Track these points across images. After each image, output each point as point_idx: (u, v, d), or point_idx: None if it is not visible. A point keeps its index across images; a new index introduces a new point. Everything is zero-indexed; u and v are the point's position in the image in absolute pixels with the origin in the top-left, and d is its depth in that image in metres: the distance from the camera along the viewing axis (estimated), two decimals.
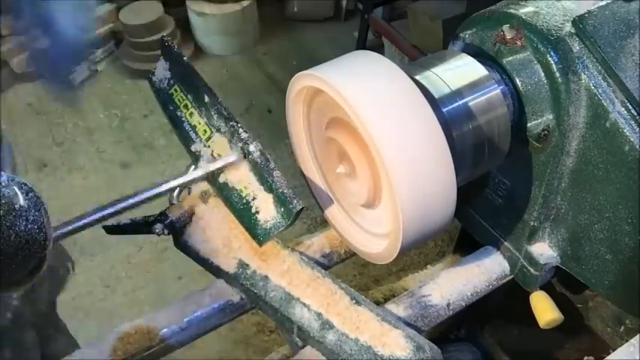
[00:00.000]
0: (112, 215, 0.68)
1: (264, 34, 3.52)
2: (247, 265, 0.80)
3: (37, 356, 1.07)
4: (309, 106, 0.73)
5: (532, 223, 0.79)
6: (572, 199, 0.75)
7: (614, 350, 0.76)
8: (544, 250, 0.81)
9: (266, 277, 0.79)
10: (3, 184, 0.55)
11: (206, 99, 0.80)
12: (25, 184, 0.57)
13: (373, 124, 0.60)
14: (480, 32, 0.76)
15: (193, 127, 0.83)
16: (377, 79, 0.64)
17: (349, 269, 2.32)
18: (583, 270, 0.78)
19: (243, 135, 0.76)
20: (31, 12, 0.69)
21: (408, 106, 0.62)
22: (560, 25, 0.70)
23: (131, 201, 0.70)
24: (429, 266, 0.99)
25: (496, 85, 0.72)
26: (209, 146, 0.80)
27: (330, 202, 0.78)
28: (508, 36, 0.72)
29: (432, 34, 2.83)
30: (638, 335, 0.75)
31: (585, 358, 0.99)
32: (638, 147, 0.66)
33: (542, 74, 0.71)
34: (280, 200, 0.71)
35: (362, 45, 3.24)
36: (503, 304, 1.02)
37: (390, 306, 0.80)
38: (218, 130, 0.79)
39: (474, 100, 0.71)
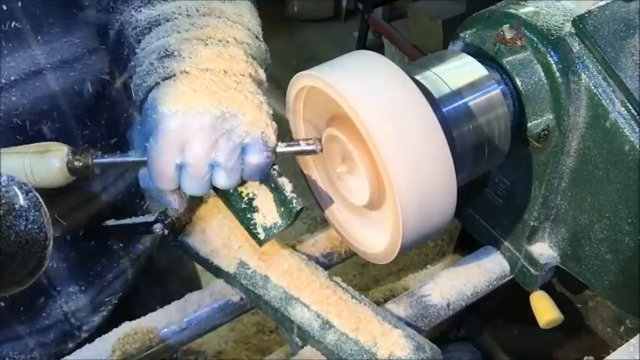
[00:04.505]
0: None
1: (264, 34, 3.51)
2: (247, 265, 0.80)
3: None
4: (310, 105, 0.73)
5: (532, 223, 0.79)
6: (572, 199, 0.75)
7: (614, 350, 0.76)
8: (544, 250, 0.81)
9: (266, 277, 0.79)
10: (3, 184, 0.55)
11: None
12: (25, 184, 0.57)
13: (373, 123, 0.60)
14: (480, 32, 0.76)
15: None
16: (377, 79, 0.64)
17: (349, 269, 2.32)
18: (583, 270, 0.78)
19: None
20: None
21: (408, 106, 0.62)
22: (560, 25, 0.70)
23: None
24: (429, 266, 0.99)
25: (496, 85, 0.72)
26: None
27: (330, 202, 0.78)
28: (508, 36, 0.72)
29: (432, 34, 2.83)
30: (638, 335, 0.75)
31: (585, 358, 0.99)
32: (638, 147, 0.66)
33: (542, 74, 0.71)
34: (280, 200, 0.71)
35: (362, 45, 3.25)
36: (503, 304, 1.02)
37: (390, 306, 0.80)
38: None
39: (474, 100, 0.71)
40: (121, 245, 0.99)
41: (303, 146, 0.70)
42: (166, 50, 0.71)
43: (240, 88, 0.68)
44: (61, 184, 0.68)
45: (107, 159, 0.69)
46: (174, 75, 0.68)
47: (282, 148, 0.69)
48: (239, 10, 0.78)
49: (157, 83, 0.69)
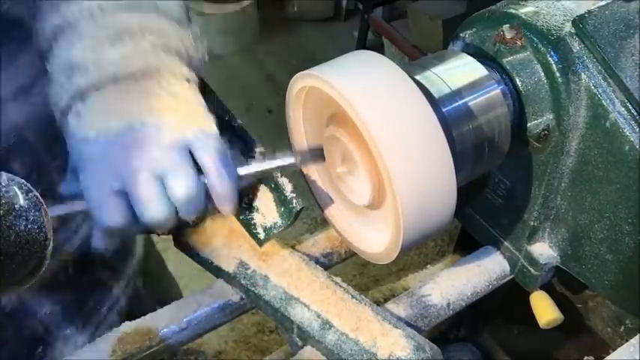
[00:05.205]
0: None
1: (264, 34, 3.51)
2: (247, 265, 0.80)
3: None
4: (310, 105, 0.73)
5: (532, 223, 0.79)
6: (572, 199, 0.75)
7: (614, 350, 0.76)
8: (544, 250, 0.81)
9: (266, 277, 0.79)
10: (3, 184, 0.55)
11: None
12: (25, 184, 0.57)
13: (373, 123, 0.61)
14: (480, 32, 0.76)
15: None
16: (377, 79, 0.64)
17: (349, 269, 2.32)
18: (583, 270, 0.78)
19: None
20: None
21: (408, 106, 0.62)
22: (560, 25, 0.70)
23: None
24: (429, 266, 0.99)
25: (496, 85, 0.72)
26: None
27: (330, 202, 0.78)
28: (508, 36, 0.72)
29: (432, 34, 2.83)
30: (638, 335, 0.75)
31: (585, 358, 0.99)
32: (638, 147, 0.66)
33: (542, 74, 0.71)
34: (280, 200, 0.71)
35: (362, 45, 3.25)
36: (503, 304, 1.02)
37: (390, 306, 0.80)
38: None
39: (474, 100, 0.71)
40: (109, 272, 0.95)
41: (278, 161, 0.67)
42: (71, 64, 0.64)
43: (159, 90, 0.63)
44: None
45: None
46: (83, 93, 0.63)
47: (245, 170, 0.66)
48: None
49: (69, 106, 0.64)
